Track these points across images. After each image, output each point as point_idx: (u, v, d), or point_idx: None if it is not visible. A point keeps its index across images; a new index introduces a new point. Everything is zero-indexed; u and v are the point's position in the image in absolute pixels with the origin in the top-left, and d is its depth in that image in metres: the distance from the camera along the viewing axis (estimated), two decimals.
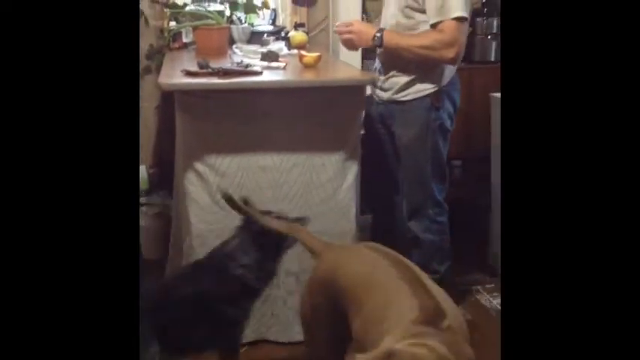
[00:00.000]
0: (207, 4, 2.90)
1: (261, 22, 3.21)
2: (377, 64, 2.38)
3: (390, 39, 2.13)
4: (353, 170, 2.22)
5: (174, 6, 2.93)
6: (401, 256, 1.54)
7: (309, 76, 2.22)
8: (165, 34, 2.92)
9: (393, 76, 2.26)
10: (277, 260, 1.91)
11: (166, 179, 2.79)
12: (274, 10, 3.21)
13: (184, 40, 2.89)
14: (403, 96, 2.25)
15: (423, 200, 2.32)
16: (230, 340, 1.90)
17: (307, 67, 2.28)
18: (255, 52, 2.52)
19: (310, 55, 2.29)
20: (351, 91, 2.17)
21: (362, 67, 3.01)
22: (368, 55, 2.95)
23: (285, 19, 3.30)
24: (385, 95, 2.30)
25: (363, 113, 2.28)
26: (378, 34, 2.12)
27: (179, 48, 2.87)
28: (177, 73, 2.14)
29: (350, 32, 2.17)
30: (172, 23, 2.90)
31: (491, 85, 2.97)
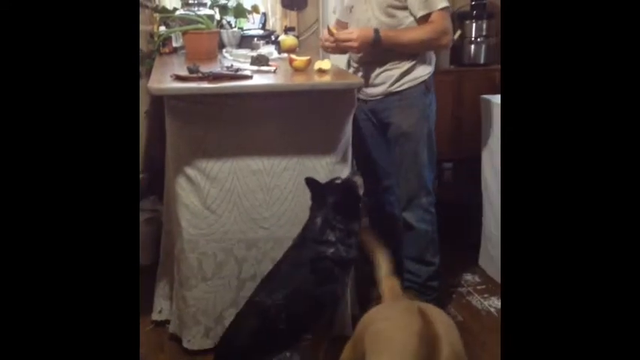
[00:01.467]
0: (196, 8, 2.90)
1: (251, 26, 3.22)
2: (354, 63, 2.40)
3: (387, 37, 2.19)
4: (344, 173, 2.21)
5: (164, 10, 2.92)
6: (443, 330, 1.40)
7: (299, 80, 2.22)
8: (155, 39, 2.92)
9: (385, 71, 2.30)
10: (359, 218, 1.97)
11: (157, 184, 2.78)
12: (264, 14, 3.21)
13: (174, 44, 2.89)
14: (399, 86, 2.30)
15: (417, 189, 2.36)
16: (330, 313, 1.94)
17: (297, 70, 2.28)
18: (245, 56, 2.52)
19: (300, 59, 2.29)
20: (342, 95, 2.17)
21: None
22: None
23: (275, 22, 3.31)
24: (377, 90, 2.34)
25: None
26: (376, 36, 2.18)
27: (169, 52, 2.87)
28: (167, 77, 2.13)
29: (350, 40, 2.20)
30: (162, 28, 2.89)
31: (481, 87, 2.99)
